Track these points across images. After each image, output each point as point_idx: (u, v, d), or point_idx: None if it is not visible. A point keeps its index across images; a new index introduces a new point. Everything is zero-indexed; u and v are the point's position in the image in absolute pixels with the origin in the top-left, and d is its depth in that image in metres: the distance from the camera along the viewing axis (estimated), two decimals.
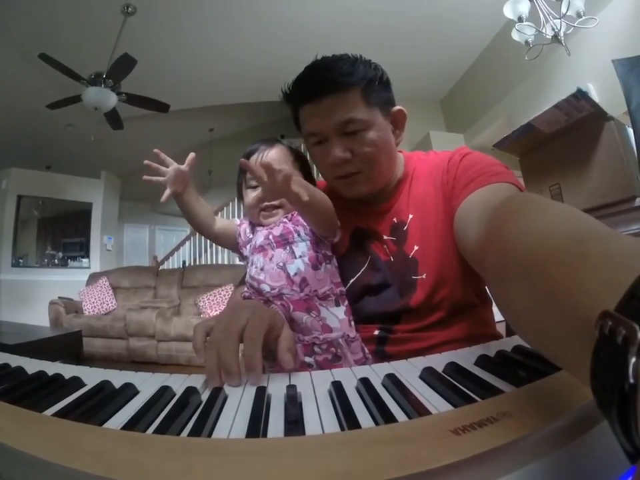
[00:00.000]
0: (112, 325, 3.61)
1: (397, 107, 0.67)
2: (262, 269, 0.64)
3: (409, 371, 0.38)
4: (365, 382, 0.35)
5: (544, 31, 2.21)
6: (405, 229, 0.66)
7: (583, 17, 2.06)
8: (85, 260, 5.44)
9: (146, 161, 0.63)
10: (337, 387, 0.34)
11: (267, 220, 0.70)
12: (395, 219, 0.68)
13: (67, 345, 2.80)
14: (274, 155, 0.69)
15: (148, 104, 3.44)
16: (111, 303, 4.03)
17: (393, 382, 0.34)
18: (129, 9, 2.97)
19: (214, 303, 3.71)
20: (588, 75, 2.54)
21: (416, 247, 0.65)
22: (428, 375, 0.35)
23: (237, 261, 4.85)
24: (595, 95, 2.45)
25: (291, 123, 0.68)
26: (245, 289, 0.68)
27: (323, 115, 0.61)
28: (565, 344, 0.22)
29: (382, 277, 0.67)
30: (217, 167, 6.12)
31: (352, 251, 0.71)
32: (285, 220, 0.68)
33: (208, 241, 5.44)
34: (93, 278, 4.37)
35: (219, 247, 5.47)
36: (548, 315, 0.24)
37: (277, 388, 0.36)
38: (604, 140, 1.20)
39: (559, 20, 2.09)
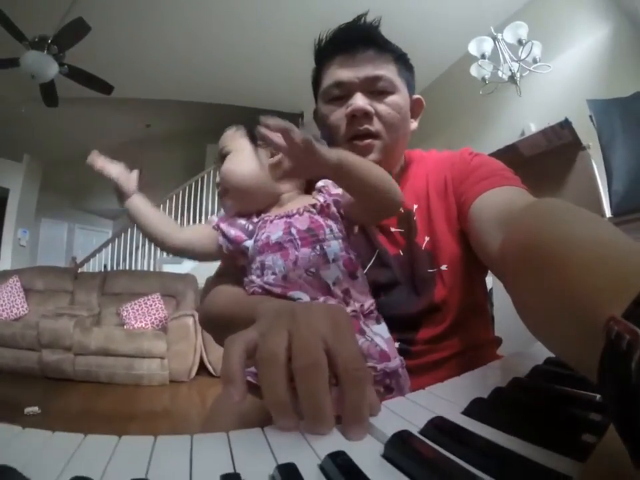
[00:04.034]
0: (22, 333, 3.10)
1: (417, 96, 0.68)
2: (284, 277, 0.48)
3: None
4: None
5: (501, 70, 2.43)
6: (414, 218, 0.62)
7: (538, 63, 2.29)
8: None
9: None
10: None
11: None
12: (401, 209, 0.60)
13: None
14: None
15: (91, 82, 3.12)
16: (22, 307, 3.47)
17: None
18: None
19: (139, 314, 3.33)
20: (531, 115, 2.83)
21: (427, 238, 0.60)
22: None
23: (165, 269, 4.38)
24: None
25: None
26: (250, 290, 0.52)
27: (356, 66, 0.60)
28: (576, 346, 0.23)
29: (391, 273, 0.59)
30: (147, 167, 5.73)
31: (357, 245, 0.61)
32: (313, 210, 0.52)
33: (132, 244, 4.95)
34: (3, 276, 3.75)
35: (145, 253, 4.87)
36: (561, 314, 0.25)
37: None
38: (577, 166, 1.32)
39: (517, 62, 2.32)
